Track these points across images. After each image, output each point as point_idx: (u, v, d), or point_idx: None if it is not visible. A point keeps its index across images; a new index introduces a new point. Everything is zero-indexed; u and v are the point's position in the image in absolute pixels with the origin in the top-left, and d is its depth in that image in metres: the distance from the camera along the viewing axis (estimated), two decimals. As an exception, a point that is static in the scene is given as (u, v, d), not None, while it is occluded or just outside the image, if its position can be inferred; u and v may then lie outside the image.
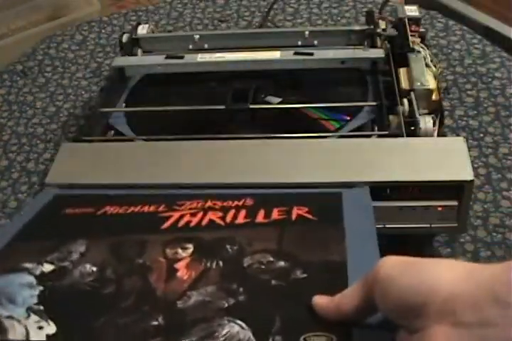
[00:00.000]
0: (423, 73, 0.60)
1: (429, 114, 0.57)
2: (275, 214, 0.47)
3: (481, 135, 0.70)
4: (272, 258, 0.41)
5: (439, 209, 0.52)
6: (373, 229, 0.44)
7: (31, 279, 0.43)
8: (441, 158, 0.52)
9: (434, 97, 0.59)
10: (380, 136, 0.56)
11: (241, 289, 0.39)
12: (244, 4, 0.95)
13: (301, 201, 0.48)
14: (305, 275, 0.39)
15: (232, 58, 0.69)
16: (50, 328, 0.39)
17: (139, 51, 0.75)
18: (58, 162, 0.57)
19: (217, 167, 0.54)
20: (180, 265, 0.42)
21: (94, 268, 0.43)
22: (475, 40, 0.83)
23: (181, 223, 0.47)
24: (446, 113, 0.71)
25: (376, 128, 0.59)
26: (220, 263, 0.42)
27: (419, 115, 0.56)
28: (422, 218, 0.53)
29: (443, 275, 0.30)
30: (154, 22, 0.93)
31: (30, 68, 0.88)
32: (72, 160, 0.57)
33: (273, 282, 0.39)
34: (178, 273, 0.41)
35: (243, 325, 0.36)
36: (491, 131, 0.70)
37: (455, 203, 0.52)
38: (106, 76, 0.84)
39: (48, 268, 0.44)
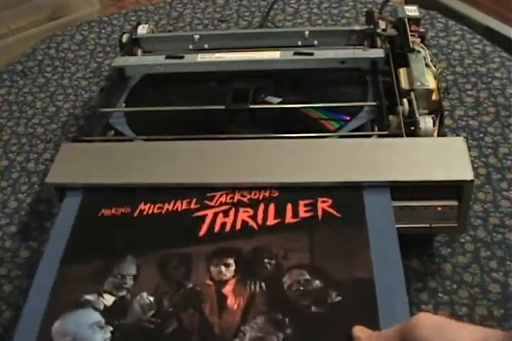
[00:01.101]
0: (423, 73, 0.60)
1: (429, 114, 0.57)
2: (302, 210, 0.50)
3: (481, 135, 0.70)
4: (308, 276, 0.45)
5: (439, 209, 0.52)
6: (394, 229, 0.48)
7: (98, 317, 0.44)
8: (441, 158, 0.52)
9: (434, 97, 0.59)
10: (379, 136, 0.56)
11: (287, 320, 0.42)
12: (244, 4, 0.95)
13: (325, 192, 0.50)
14: (339, 298, 0.43)
15: (232, 58, 0.69)
16: None
17: (139, 51, 0.75)
18: (58, 162, 0.57)
19: (217, 167, 0.54)
20: (227, 290, 0.45)
21: (152, 298, 0.45)
22: (475, 40, 0.83)
23: (217, 228, 0.49)
24: (446, 113, 0.71)
25: (376, 128, 0.59)
26: (263, 285, 0.45)
27: (419, 115, 0.56)
28: (421, 218, 0.53)
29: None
30: (154, 22, 0.93)
31: (30, 68, 0.88)
32: (72, 160, 0.57)
33: (313, 308, 0.43)
34: (228, 302, 0.44)
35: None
36: (491, 131, 0.70)
37: (455, 203, 0.52)
38: (106, 76, 0.84)
39: (108, 300, 0.46)
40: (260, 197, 0.51)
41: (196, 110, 0.63)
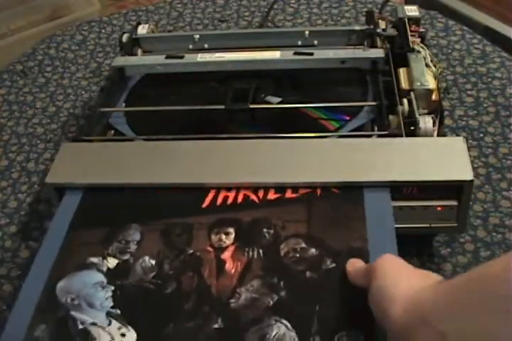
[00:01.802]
0: (423, 73, 0.60)
1: (428, 114, 0.57)
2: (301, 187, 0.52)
3: (481, 135, 0.70)
4: (304, 245, 0.47)
5: (439, 209, 0.52)
6: (390, 211, 0.49)
7: (101, 278, 0.47)
8: (441, 158, 0.52)
9: (433, 97, 0.59)
10: (379, 135, 0.56)
11: (282, 283, 0.44)
12: (244, 4, 0.95)
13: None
14: (334, 264, 0.45)
15: (232, 58, 0.69)
16: (131, 334, 0.42)
17: (139, 51, 0.75)
18: (58, 162, 0.57)
19: (217, 167, 0.54)
20: (226, 256, 0.47)
21: (153, 262, 0.48)
22: (475, 40, 0.83)
23: (219, 201, 0.52)
24: (446, 113, 0.71)
25: (376, 128, 0.59)
26: (260, 252, 0.47)
27: (419, 115, 0.56)
28: (421, 218, 0.53)
29: (404, 291, 0.37)
30: (154, 22, 0.93)
31: (30, 68, 0.88)
32: (72, 159, 0.57)
33: (307, 274, 0.45)
34: (226, 266, 0.46)
35: (288, 325, 0.42)
36: (490, 131, 0.70)
37: (455, 203, 0.52)
38: (106, 76, 0.84)
39: (112, 262, 0.48)
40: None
41: (196, 110, 0.63)
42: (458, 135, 0.69)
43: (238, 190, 0.52)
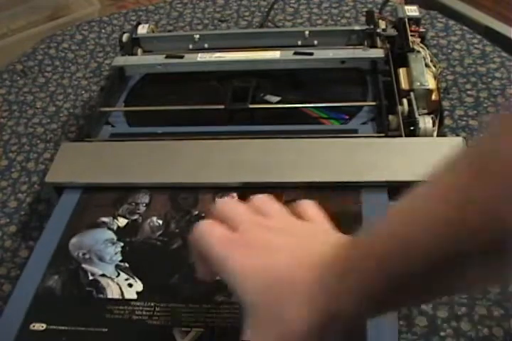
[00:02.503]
0: (423, 73, 0.60)
1: (428, 114, 0.57)
2: None
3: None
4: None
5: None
6: None
7: (112, 235, 0.50)
8: (440, 158, 0.52)
9: (433, 97, 0.59)
10: (379, 136, 0.56)
11: None
12: (244, 4, 0.95)
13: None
14: None
15: (232, 58, 0.69)
16: (138, 285, 0.46)
17: (139, 51, 0.75)
18: (58, 161, 0.57)
19: (217, 167, 0.54)
20: None
21: (161, 222, 0.51)
22: (475, 40, 0.83)
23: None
24: (446, 113, 0.71)
25: (376, 128, 0.59)
26: None
27: (419, 115, 0.56)
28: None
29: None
30: (154, 22, 0.93)
31: (30, 68, 0.88)
32: (72, 159, 0.57)
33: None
34: None
35: None
36: (490, 131, 0.70)
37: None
38: (106, 76, 0.84)
39: (122, 222, 0.52)
40: None
41: (196, 110, 0.64)
42: (458, 135, 0.69)
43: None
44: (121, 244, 0.49)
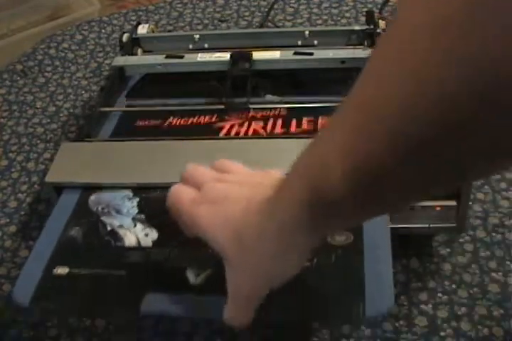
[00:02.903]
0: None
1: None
2: (305, 123, 0.59)
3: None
4: None
5: (438, 209, 0.52)
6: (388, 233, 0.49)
7: (128, 192, 0.54)
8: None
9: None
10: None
11: None
12: (244, 4, 0.95)
13: (328, 112, 0.55)
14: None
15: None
16: (153, 234, 0.49)
17: (139, 51, 0.75)
18: (58, 161, 0.57)
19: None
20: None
21: None
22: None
23: (232, 134, 0.59)
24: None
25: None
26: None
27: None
28: (420, 218, 0.53)
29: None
30: (154, 22, 0.93)
31: (30, 68, 0.88)
32: (72, 159, 0.57)
33: None
34: None
35: None
36: (490, 131, 0.70)
37: (454, 203, 0.52)
38: (106, 76, 0.84)
39: None
40: (271, 115, 0.61)
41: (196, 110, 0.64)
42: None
43: (249, 126, 0.59)
44: (137, 199, 0.53)
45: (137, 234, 0.49)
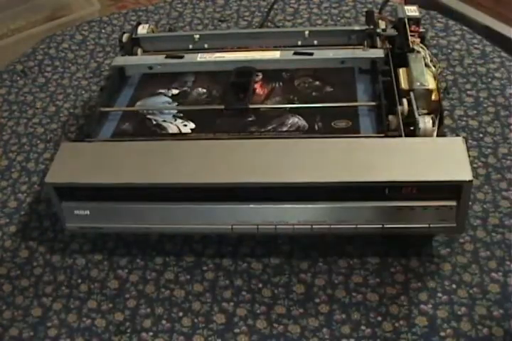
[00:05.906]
0: (422, 73, 0.60)
1: (428, 114, 0.57)
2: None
3: (481, 135, 0.70)
4: (311, 80, 0.66)
5: (438, 209, 0.52)
6: None
7: (168, 99, 0.66)
8: (440, 158, 0.52)
9: (433, 97, 0.59)
10: (379, 136, 0.56)
11: (295, 98, 0.64)
12: (244, 4, 0.95)
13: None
14: (332, 89, 0.65)
15: (232, 58, 0.69)
16: (191, 125, 0.61)
17: (139, 51, 0.75)
18: (58, 161, 0.57)
19: (217, 167, 0.54)
20: (257, 85, 0.66)
21: (204, 90, 0.67)
22: (475, 40, 0.83)
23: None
24: (445, 113, 0.71)
25: (375, 128, 0.59)
26: (281, 83, 0.66)
27: (419, 115, 0.56)
28: (420, 218, 0.53)
29: None
30: (154, 22, 0.93)
31: (30, 68, 0.88)
32: (72, 159, 0.57)
33: (313, 93, 0.64)
34: (257, 91, 0.65)
35: (300, 117, 0.60)
36: (490, 131, 0.70)
37: (454, 203, 0.52)
38: (106, 76, 0.84)
39: (175, 91, 0.67)
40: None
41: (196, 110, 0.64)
42: (458, 135, 0.69)
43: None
44: (176, 104, 0.65)
45: (177, 125, 0.61)
